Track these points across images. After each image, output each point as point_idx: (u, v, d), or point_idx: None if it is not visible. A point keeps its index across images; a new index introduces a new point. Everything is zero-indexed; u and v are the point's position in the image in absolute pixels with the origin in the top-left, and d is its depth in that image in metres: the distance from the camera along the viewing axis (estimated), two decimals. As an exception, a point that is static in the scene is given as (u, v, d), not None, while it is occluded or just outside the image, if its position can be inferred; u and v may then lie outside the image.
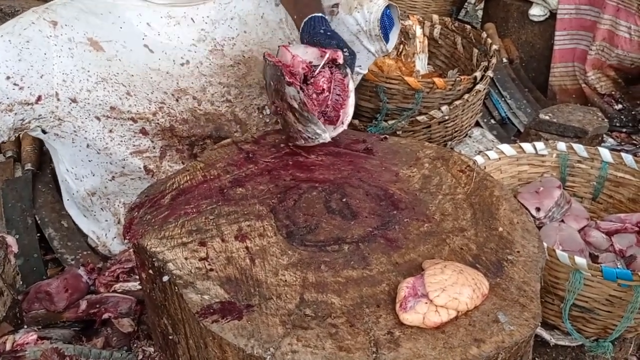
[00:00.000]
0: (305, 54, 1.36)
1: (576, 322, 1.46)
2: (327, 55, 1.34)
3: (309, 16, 1.48)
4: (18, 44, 1.44)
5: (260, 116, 1.74)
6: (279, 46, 1.41)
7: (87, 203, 1.73)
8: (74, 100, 1.51)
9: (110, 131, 1.58)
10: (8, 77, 1.42)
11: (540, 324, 1.01)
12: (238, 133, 1.71)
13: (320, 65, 1.32)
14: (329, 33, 1.43)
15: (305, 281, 1.04)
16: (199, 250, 1.09)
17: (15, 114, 1.46)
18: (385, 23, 1.64)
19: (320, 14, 1.49)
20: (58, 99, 1.50)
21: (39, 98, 1.47)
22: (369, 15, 1.61)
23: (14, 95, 1.43)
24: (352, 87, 1.36)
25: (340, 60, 1.35)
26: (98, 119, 1.56)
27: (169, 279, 1.04)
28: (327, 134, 1.32)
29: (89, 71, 1.53)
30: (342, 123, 1.36)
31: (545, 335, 1.50)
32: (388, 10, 1.64)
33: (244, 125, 1.72)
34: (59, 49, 1.49)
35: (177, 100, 1.63)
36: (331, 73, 1.34)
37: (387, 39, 1.67)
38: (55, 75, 1.48)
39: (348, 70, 1.36)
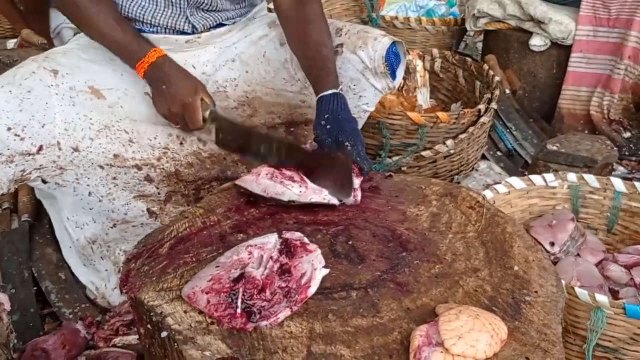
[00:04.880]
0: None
1: (601, 363, 1.39)
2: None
3: (322, 95, 1.45)
4: (19, 95, 1.42)
5: None
6: None
7: (87, 252, 1.69)
8: (76, 149, 1.49)
9: (114, 178, 1.56)
10: (9, 128, 1.39)
11: (565, 370, 0.95)
12: (244, 174, 1.68)
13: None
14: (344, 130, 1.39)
15: (312, 332, 0.97)
16: (198, 302, 1.04)
17: (16, 165, 1.42)
18: (392, 60, 1.62)
19: (332, 92, 1.45)
20: (60, 149, 1.47)
21: (41, 148, 1.44)
22: (373, 53, 1.60)
23: (15, 146, 1.40)
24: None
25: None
26: (101, 167, 1.53)
27: (168, 335, 0.99)
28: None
29: (91, 119, 1.51)
30: None
31: (569, 378, 1.43)
32: (394, 47, 1.63)
33: (250, 166, 1.69)
34: (60, 98, 1.47)
35: (181, 144, 1.61)
36: None
37: (393, 76, 1.65)
38: (57, 124, 1.46)
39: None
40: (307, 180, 1.29)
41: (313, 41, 1.56)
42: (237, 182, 1.33)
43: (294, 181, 1.29)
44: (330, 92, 1.45)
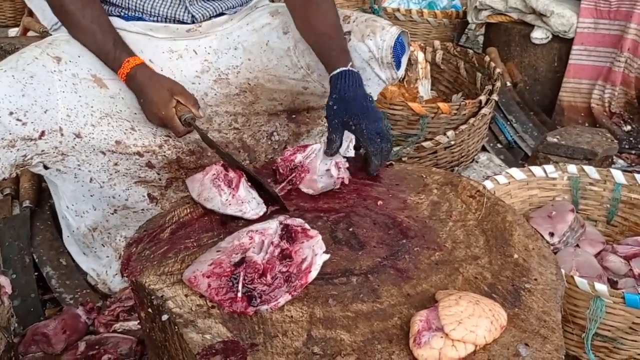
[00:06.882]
0: None
1: (599, 353, 1.40)
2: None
3: (331, 75, 1.44)
4: (22, 79, 1.41)
5: (269, 142, 1.72)
6: None
7: (88, 239, 1.69)
8: (78, 135, 1.49)
9: (116, 164, 1.55)
10: (11, 113, 1.39)
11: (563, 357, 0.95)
12: (246, 161, 1.68)
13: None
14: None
15: (313, 317, 0.98)
16: (199, 286, 1.04)
17: (18, 150, 1.42)
18: (398, 50, 1.62)
19: (340, 70, 1.43)
20: (62, 134, 1.47)
21: (43, 133, 1.44)
22: (382, 42, 1.59)
23: (16, 131, 1.40)
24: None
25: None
26: (103, 153, 1.53)
27: (169, 318, 0.99)
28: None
29: (92, 107, 1.50)
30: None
31: (567, 367, 1.44)
32: (400, 38, 1.62)
33: (252, 152, 1.69)
34: (62, 84, 1.47)
35: None
36: None
37: (398, 65, 1.65)
38: (59, 110, 1.45)
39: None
40: (241, 188, 1.23)
41: (323, 22, 1.55)
42: (187, 180, 1.31)
43: (229, 187, 1.24)
44: (337, 71, 1.43)
